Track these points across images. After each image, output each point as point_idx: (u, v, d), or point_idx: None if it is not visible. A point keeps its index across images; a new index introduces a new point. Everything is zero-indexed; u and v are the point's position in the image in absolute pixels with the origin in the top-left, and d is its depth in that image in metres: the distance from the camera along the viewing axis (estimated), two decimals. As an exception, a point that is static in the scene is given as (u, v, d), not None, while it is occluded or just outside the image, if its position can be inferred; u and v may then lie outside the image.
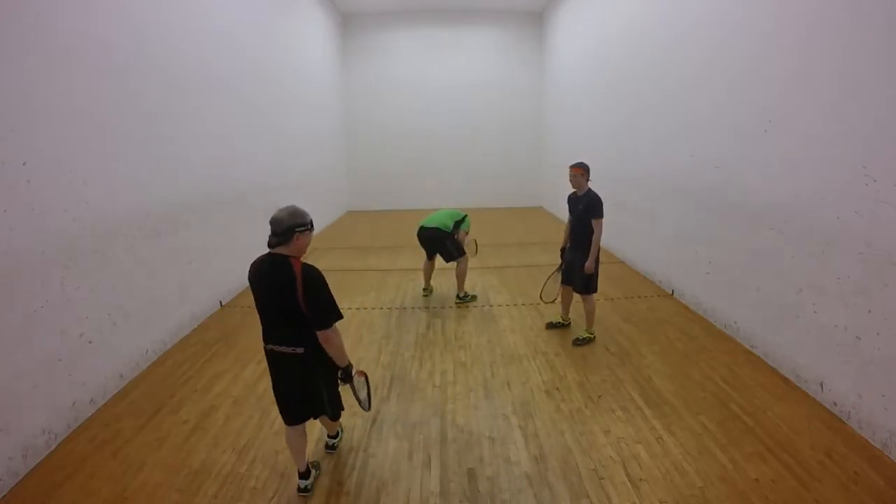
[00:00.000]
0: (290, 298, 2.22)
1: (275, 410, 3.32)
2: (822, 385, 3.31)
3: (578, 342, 4.29)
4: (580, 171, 4.13)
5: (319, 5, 10.35)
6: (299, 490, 2.56)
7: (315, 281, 2.26)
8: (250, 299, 6.23)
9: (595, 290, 4.26)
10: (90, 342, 3.36)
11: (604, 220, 4.06)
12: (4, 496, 2.55)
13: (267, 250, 2.33)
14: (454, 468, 2.74)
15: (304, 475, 2.56)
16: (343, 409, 2.68)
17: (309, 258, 2.43)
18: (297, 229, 2.27)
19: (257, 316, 2.39)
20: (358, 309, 5.21)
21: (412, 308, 5.31)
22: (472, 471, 2.72)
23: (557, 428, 3.09)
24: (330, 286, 2.34)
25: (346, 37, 12.28)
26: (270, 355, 2.43)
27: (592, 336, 4.34)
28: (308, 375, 2.43)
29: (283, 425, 3.12)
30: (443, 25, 12.35)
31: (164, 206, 4.36)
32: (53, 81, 3.08)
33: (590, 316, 4.32)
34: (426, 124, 12.69)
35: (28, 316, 2.84)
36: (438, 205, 7.46)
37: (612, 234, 7.05)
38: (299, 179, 8.71)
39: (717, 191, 4.63)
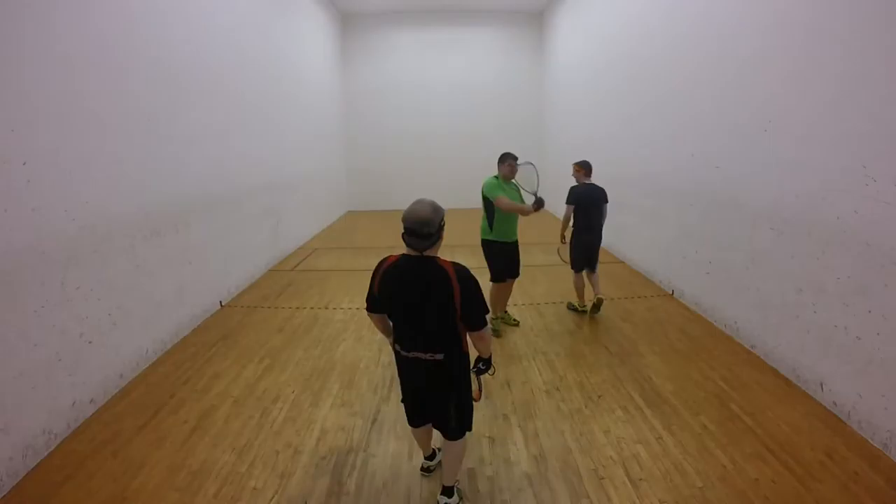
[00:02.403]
0: (447, 303, 2.05)
1: (275, 410, 3.34)
2: (822, 385, 3.31)
3: (570, 307, 5.14)
4: (574, 168, 5.01)
5: (319, 5, 10.35)
6: (422, 469, 2.69)
7: (471, 280, 2.08)
8: (250, 299, 6.20)
9: (573, 268, 4.98)
10: (90, 342, 3.36)
11: (573, 208, 4.84)
12: (4, 496, 2.55)
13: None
14: (454, 468, 2.74)
15: (429, 457, 2.70)
16: (469, 430, 2.42)
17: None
18: (443, 223, 2.12)
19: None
20: (358, 309, 5.20)
21: (412, 308, 5.29)
22: (472, 471, 2.72)
23: (557, 428, 3.09)
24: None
25: (346, 37, 12.28)
26: (408, 362, 2.25)
27: (582, 308, 5.03)
28: (442, 383, 2.27)
29: (283, 425, 3.16)
30: (443, 25, 12.35)
31: (164, 206, 4.36)
32: (53, 81, 3.08)
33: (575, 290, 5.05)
34: (426, 124, 12.69)
35: (28, 316, 2.84)
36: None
37: (612, 234, 7.07)
38: (299, 179, 8.71)
39: (717, 190, 4.63)
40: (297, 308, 5.25)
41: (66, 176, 3.18)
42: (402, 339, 2.23)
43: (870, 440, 2.88)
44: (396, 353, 2.30)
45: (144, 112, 4.07)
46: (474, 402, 2.42)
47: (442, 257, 2.13)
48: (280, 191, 7.61)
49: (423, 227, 2.03)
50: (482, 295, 2.13)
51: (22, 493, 2.59)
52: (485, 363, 2.38)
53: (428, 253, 2.09)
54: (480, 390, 2.46)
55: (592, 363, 3.96)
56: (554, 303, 5.38)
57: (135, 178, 3.94)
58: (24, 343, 2.79)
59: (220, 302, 5.39)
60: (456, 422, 2.33)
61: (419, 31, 12.37)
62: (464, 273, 2.08)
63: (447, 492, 2.42)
